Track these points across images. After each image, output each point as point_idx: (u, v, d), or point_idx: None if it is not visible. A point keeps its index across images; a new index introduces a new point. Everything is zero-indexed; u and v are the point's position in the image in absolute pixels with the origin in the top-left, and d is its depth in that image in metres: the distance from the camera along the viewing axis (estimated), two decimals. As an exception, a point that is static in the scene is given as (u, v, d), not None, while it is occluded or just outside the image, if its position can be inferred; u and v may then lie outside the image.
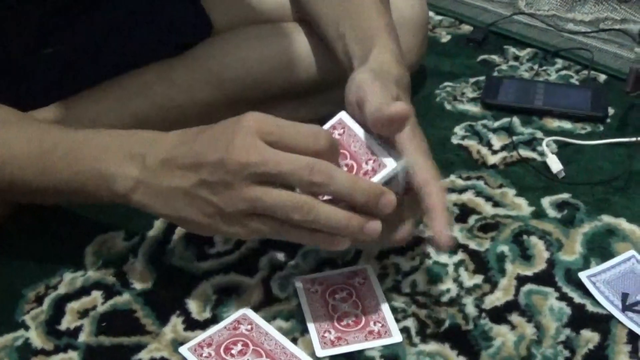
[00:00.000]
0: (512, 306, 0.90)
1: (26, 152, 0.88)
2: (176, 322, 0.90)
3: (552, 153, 1.15)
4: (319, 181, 0.76)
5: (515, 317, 0.89)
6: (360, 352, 0.85)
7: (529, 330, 0.87)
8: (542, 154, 1.16)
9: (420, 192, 0.81)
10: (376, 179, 0.80)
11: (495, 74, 1.41)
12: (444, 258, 0.97)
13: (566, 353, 0.84)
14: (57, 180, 0.87)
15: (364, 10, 1.00)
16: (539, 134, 1.21)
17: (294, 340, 0.86)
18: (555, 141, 1.19)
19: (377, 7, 1.01)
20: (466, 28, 1.59)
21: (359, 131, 0.83)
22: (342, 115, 0.85)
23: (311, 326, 0.87)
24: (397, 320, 0.88)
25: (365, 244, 0.91)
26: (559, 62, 1.44)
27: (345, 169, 0.81)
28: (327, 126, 0.85)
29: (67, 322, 0.91)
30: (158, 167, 0.81)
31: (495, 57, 1.46)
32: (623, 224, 1.02)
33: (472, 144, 1.20)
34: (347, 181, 0.77)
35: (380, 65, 0.89)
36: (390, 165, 0.80)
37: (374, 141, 0.82)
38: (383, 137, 0.82)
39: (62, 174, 0.86)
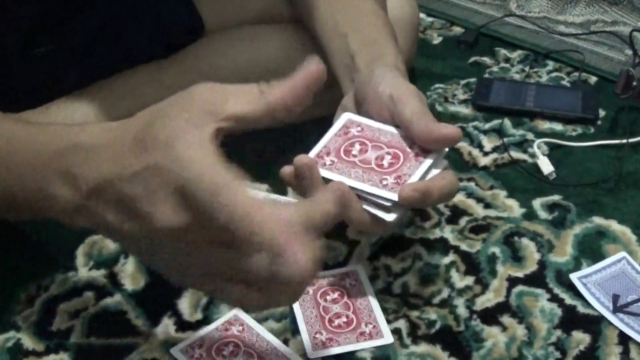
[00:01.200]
0: (503, 307, 0.91)
1: None
2: (167, 323, 0.90)
3: (543, 155, 1.15)
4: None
5: (506, 319, 0.89)
6: (352, 353, 0.85)
7: (520, 331, 0.87)
8: (533, 155, 1.16)
9: (395, 109, 0.84)
10: (425, 164, 0.82)
11: (487, 75, 1.41)
12: (435, 259, 0.97)
13: (557, 354, 0.84)
14: (11, 194, 0.74)
15: (366, 15, 1.01)
16: (530, 136, 1.22)
17: (286, 342, 0.86)
18: (546, 143, 1.19)
19: (378, 13, 1.01)
20: (457, 30, 1.59)
21: (379, 125, 0.86)
22: (349, 115, 0.87)
23: (302, 327, 0.87)
24: (389, 322, 0.88)
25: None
26: (550, 64, 1.44)
27: (389, 157, 0.83)
28: (336, 128, 0.86)
29: (58, 323, 0.90)
30: (93, 194, 0.67)
31: (486, 59, 1.47)
32: (613, 225, 1.02)
33: (463, 145, 1.20)
34: None
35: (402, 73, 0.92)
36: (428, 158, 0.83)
37: (395, 130, 0.85)
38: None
39: (10, 189, 0.74)
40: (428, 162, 0.82)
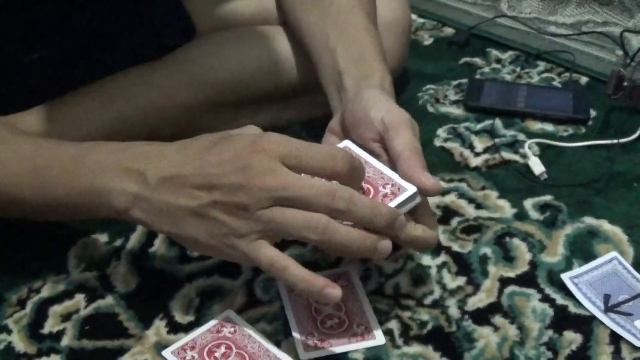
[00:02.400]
0: (494, 308, 0.91)
1: (20, 169, 0.87)
2: (159, 325, 0.89)
3: (534, 155, 1.15)
4: (341, 208, 0.76)
5: (498, 319, 0.89)
6: (344, 354, 0.85)
7: (512, 331, 0.87)
8: (524, 156, 1.16)
9: (386, 136, 0.86)
10: (396, 201, 0.82)
11: (478, 76, 1.41)
12: (426, 260, 0.97)
13: (549, 354, 0.84)
14: (53, 197, 0.86)
15: (356, 31, 1.01)
16: (521, 136, 1.22)
17: (278, 343, 0.86)
18: (538, 143, 1.19)
19: (369, 29, 1.01)
20: (449, 31, 1.59)
21: (368, 157, 0.87)
22: (348, 144, 0.88)
23: (294, 329, 0.87)
24: (381, 323, 0.88)
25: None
26: (541, 65, 1.44)
27: (361, 192, 0.83)
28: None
29: (49, 326, 0.90)
30: (161, 184, 0.79)
31: (477, 60, 1.47)
32: (605, 225, 1.02)
33: (454, 146, 1.20)
34: (368, 207, 0.77)
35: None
36: (410, 189, 0.83)
37: (384, 166, 0.86)
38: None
39: (58, 190, 0.85)
40: (395, 204, 0.82)
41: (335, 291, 0.77)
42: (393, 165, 0.85)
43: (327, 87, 1.00)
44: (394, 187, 0.83)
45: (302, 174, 0.77)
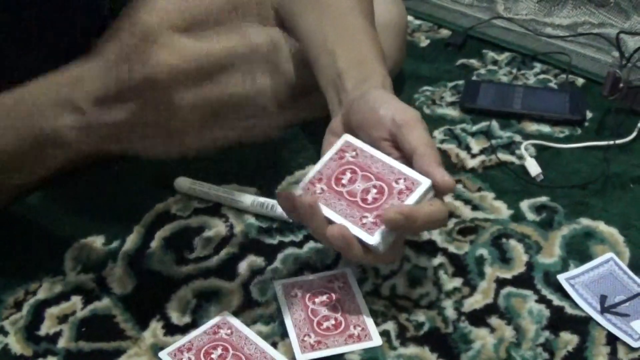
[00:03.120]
0: (491, 309, 0.91)
1: None
2: (156, 327, 0.89)
3: (531, 156, 1.15)
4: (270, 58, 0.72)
5: (494, 320, 0.89)
6: (340, 355, 0.85)
7: (508, 333, 0.87)
8: (520, 157, 1.16)
9: (399, 133, 0.84)
10: (413, 198, 0.82)
11: (474, 78, 1.41)
12: (423, 261, 0.97)
13: (545, 355, 0.84)
14: (4, 155, 0.80)
15: (355, 32, 1.01)
16: (518, 138, 1.22)
17: (274, 345, 0.86)
18: (534, 145, 1.19)
19: (368, 31, 1.01)
20: (445, 32, 1.60)
21: (374, 151, 0.86)
22: (348, 138, 0.88)
23: (291, 330, 0.87)
24: (377, 324, 0.88)
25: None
26: (537, 66, 1.45)
27: (374, 191, 0.83)
28: (333, 151, 0.87)
29: (46, 328, 0.90)
30: (91, 109, 0.72)
31: (474, 61, 1.47)
32: (601, 226, 1.02)
33: (451, 147, 1.20)
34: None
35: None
36: (425, 182, 0.82)
37: (392, 160, 0.85)
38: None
39: (7, 147, 0.80)
40: (411, 202, 0.82)
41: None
42: (406, 162, 0.85)
43: (326, 88, 0.99)
44: (407, 181, 0.83)
45: None
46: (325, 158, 0.88)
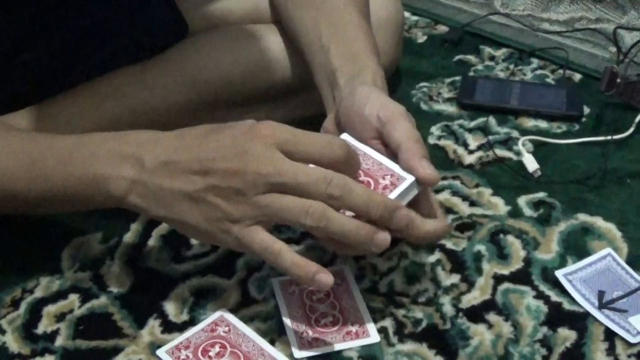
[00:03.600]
0: (489, 305, 0.91)
1: (14, 163, 0.87)
2: (153, 324, 0.89)
3: (528, 152, 1.15)
4: (336, 194, 0.76)
5: (492, 316, 0.89)
6: (338, 352, 0.85)
7: (506, 329, 0.87)
8: (518, 153, 1.16)
9: (384, 130, 0.85)
10: (395, 192, 0.82)
11: (471, 74, 1.41)
12: (421, 258, 0.97)
13: (543, 351, 0.84)
14: (49, 189, 0.86)
15: (349, 28, 1.01)
16: (515, 134, 1.22)
17: (272, 342, 0.86)
18: (531, 140, 1.19)
19: (362, 26, 1.01)
20: (442, 28, 1.59)
21: (367, 149, 0.87)
22: (345, 137, 0.88)
23: (289, 327, 0.87)
24: (375, 321, 0.88)
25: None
26: (535, 62, 1.44)
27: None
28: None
29: (43, 326, 0.90)
30: (158, 169, 0.80)
31: (471, 57, 1.47)
32: (599, 222, 1.02)
33: (448, 143, 1.20)
34: (364, 195, 0.78)
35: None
36: (409, 178, 0.83)
37: (383, 157, 0.85)
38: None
39: (55, 181, 0.85)
40: (394, 196, 0.82)
41: (326, 277, 0.78)
42: (395, 158, 0.85)
43: (321, 85, 0.99)
44: (393, 177, 0.83)
45: (299, 162, 0.77)
46: None
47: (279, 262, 0.78)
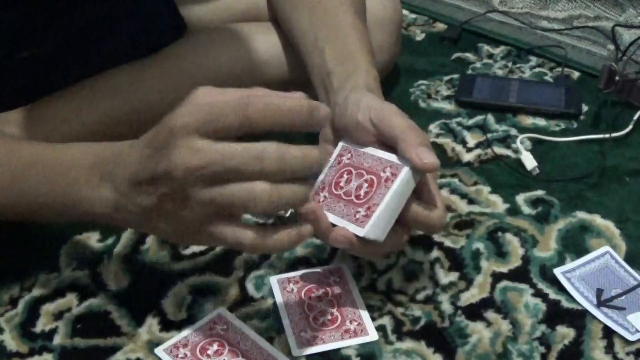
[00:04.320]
0: (487, 303, 0.91)
1: None
2: (152, 323, 0.89)
3: (527, 150, 1.15)
4: (274, 169, 0.72)
5: (490, 314, 0.89)
6: (337, 350, 0.85)
7: (505, 326, 0.87)
8: (516, 151, 1.16)
9: (380, 130, 0.85)
10: (397, 182, 0.82)
11: (470, 71, 1.41)
12: (419, 256, 0.97)
13: (542, 349, 0.84)
14: (34, 202, 0.86)
15: (344, 28, 1.01)
16: (513, 131, 1.22)
17: (270, 340, 0.86)
18: (530, 138, 1.19)
19: (356, 25, 1.01)
20: (440, 26, 1.59)
21: (365, 149, 0.87)
22: (344, 142, 0.90)
23: (287, 326, 0.87)
24: (373, 319, 0.88)
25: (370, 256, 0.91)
26: (533, 60, 1.44)
27: (366, 185, 0.83)
28: (332, 159, 0.89)
29: (42, 324, 0.90)
30: (127, 188, 0.78)
31: (469, 55, 1.47)
32: (597, 219, 1.02)
33: (446, 141, 1.20)
34: (299, 157, 0.73)
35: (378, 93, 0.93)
36: (405, 164, 0.82)
37: (381, 151, 0.86)
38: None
39: (38, 197, 0.85)
40: (395, 187, 0.81)
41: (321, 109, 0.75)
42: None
43: (317, 87, 1.00)
44: (392, 168, 0.83)
45: (225, 140, 0.73)
46: (326, 167, 0.89)
47: (258, 243, 0.75)
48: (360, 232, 0.81)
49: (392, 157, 0.84)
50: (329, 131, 0.93)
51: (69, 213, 0.85)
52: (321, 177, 0.88)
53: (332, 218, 0.83)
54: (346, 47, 0.98)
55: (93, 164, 0.82)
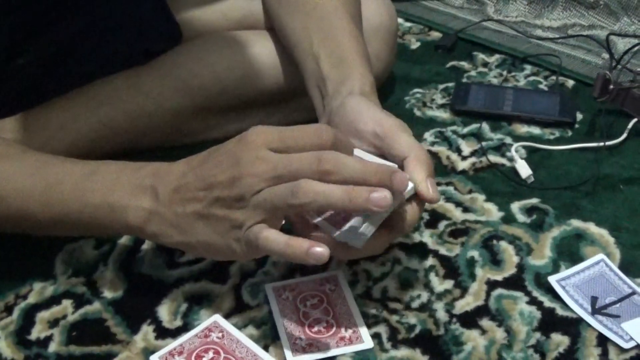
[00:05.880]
0: (482, 311, 0.91)
1: (29, 185, 0.87)
2: (147, 330, 0.89)
3: (521, 158, 1.15)
4: (330, 169, 0.76)
5: (485, 322, 0.89)
6: (332, 358, 0.85)
7: (500, 334, 0.87)
8: (511, 159, 1.16)
9: (383, 145, 0.86)
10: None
11: (465, 80, 1.42)
12: (414, 264, 0.97)
13: (536, 357, 0.85)
14: (64, 213, 0.87)
15: (339, 34, 1.01)
16: (508, 140, 1.22)
17: (266, 347, 0.86)
18: (524, 146, 1.19)
19: (352, 31, 1.02)
20: (435, 35, 1.60)
21: (360, 153, 0.86)
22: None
23: (282, 333, 0.87)
24: (368, 326, 0.88)
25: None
26: (528, 68, 1.45)
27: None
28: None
29: (37, 332, 0.90)
30: (170, 196, 0.82)
31: (464, 64, 1.47)
32: (591, 228, 1.03)
33: (441, 149, 1.20)
34: (357, 164, 0.77)
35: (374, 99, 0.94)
36: (409, 185, 0.83)
37: (378, 159, 0.86)
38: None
39: (70, 206, 0.86)
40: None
41: (320, 250, 0.76)
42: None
43: (312, 93, 1.00)
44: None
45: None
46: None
47: (274, 247, 0.78)
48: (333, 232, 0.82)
49: (390, 164, 0.84)
50: None
51: (97, 222, 0.86)
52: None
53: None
54: (341, 52, 0.98)
55: (130, 178, 0.86)
